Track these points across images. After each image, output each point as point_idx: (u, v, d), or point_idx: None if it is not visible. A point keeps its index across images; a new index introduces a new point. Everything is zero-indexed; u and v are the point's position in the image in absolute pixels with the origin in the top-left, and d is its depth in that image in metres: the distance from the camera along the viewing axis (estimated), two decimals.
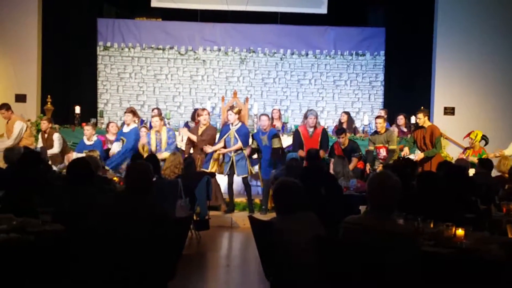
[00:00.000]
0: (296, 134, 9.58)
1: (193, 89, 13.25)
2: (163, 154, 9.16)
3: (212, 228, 7.95)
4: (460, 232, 3.90)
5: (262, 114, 9.99)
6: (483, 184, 6.26)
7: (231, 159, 9.36)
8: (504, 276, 3.49)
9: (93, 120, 11.13)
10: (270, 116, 10.54)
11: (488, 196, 5.82)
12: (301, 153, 9.05)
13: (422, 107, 9.85)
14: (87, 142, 9.86)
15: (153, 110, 11.49)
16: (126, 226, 3.77)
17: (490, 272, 3.51)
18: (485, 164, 7.64)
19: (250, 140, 9.56)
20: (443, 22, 11.80)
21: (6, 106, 10.22)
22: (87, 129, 9.96)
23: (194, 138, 9.58)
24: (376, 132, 9.48)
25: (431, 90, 12.03)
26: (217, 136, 9.70)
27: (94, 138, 9.95)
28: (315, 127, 9.43)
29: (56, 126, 10.49)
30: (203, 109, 10.11)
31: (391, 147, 9.27)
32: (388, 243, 3.20)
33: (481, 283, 3.53)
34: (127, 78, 13.20)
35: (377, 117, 9.66)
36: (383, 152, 9.25)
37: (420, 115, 9.34)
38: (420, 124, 9.38)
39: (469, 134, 9.86)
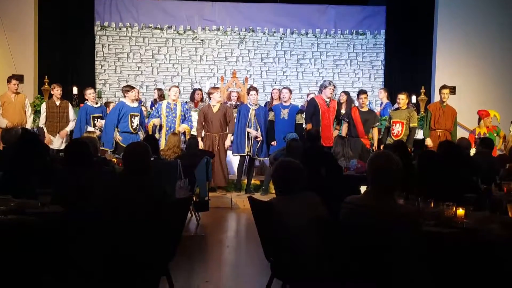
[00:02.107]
0: (311, 103, 9.42)
1: (192, 69, 13.18)
2: (182, 126, 9.34)
3: (212, 209, 7.95)
4: (460, 212, 3.88)
5: (284, 88, 9.96)
6: (484, 163, 6.23)
7: (251, 139, 9.36)
8: (505, 255, 3.48)
9: (99, 100, 11.04)
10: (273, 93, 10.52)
11: (489, 175, 5.80)
12: (309, 126, 9.08)
13: (444, 84, 9.87)
14: (95, 106, 9.75)
15: (155, 90, 11.49)
16: (126, 207, 3.75)
17: (490, 251, 3.49)
18: (486, 143, 7.60)
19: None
20: (444, 0, 11.69)
21: (19, 78, 10.21)
22: (91, 92, 9.80)
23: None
24: (397, 109, 9.52)
25: (432, 70, 11.97)
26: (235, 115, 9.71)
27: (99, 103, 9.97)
28: (330, 98, 9.40)
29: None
30: (215, 88, 10.01)
31: (412, 124, 9.28)
32: (388, 223, 3.18)
33: (482, 262, 3.51)
34: (125, 58, 13.12)
35: (400, 93, 9.65)
36: (398, 127, 9.23)
37: (447, 91, 9.43)
38: (444, 101, 9.39)
39: (483, 114, 9.92)
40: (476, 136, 9.60)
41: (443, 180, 4.67)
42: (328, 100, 9.33)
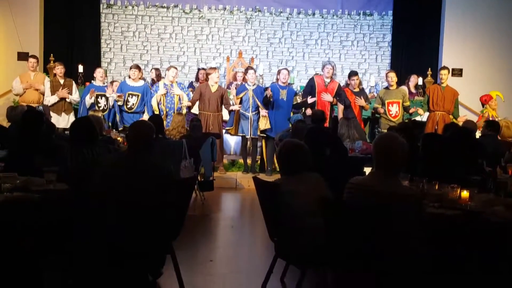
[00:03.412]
0: (309, 83, 9.47)
1: (198, 48, 13.11)
2: (176, 90, 9.37)
3: (217, 189, 7.97)
4: (465, 194, 3.88)
5: (282, 68, 9.91)
6: (490, 146, 6.21)
7: (250, 118, 9.34)
8: (509, 237, 3.48)
9: (106, 80, 11.01)
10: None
11: (494, 158, 5.77)
12: (310, 99, 9.14)
13: (444, 65, 9.80)
14: (101, 85, 9.77)
15: (152, 69, 11.40)
16: (130, 186, 3.76)
17: (495, 233, 3.49)
18: (492, 126, 7.55)
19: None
20: None
21: (37, 57, 10.27)
22: (99, 71, 9.87)
23: (236, 107, 9.44)
24: (387, 88, 9.42)
25: (439, 51, 11.88)
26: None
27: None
28: (331, 79, 9.36)
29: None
30: (213, 68, 9.95)
31: (405, 103, 9.25)
32: (392, 204, 3.18)
33: (486, 244, 3.52)
34: (131, 37, 13.06)
35: (390, 71, 9.57)
36: (395, 108, 9.15)
37: (446, 72, 9.30)
38: (442, 82, 9.31)
39: (486, 99, 9.85)
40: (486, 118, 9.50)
41: (448, 162, 4.66)
42: (328, 80, 9.31)
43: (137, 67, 9.81)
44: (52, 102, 9.72)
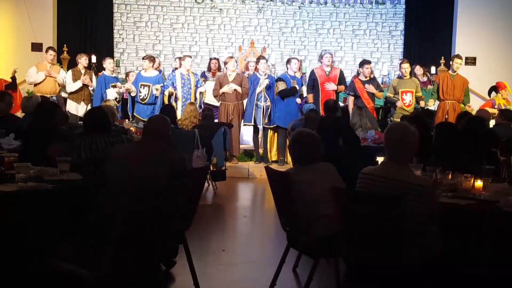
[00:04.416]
0: (310, 77, 9.46)
1: (210, 38, 13.11)
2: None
3: (229, 178, 7.99)
4: (478, 183, 3.86)
5: (292, 58, 9.86)
6: (504, 135, 6.16)
7: (262, 108, 9.33)
8: None
9: (116, 70, 11.08)
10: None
11: (508, 147, 5.73)
12: (310, 98, 9.20)
13: (458, 54, 9.73)
14: (112, 75, 9.82)
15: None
16: (144, 174, 3.78)
17: (509, 223, 3.47)
18: (506, 115, 7.49)
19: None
20: None
21: (55, 49, 10.33)
22: (110, 62, 9.90)
23: (239, 89, 9.44)
24: (400, 77, 9.38)
25: (452, 40, 11.79)
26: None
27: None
28: (331, 67, 9.34)
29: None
30: (230, 57, 9.90)
31: (418, 94, 9.20)
32: (404, 193, 3.17)
33: (500, 234, 3.50)
34: (143, 27, 13.08)
35: (403, 61, 9.51)
36: (408, 97, 9.10)
37: (460, 61, 9.23)
38: (456, 70, 9.23)
39: (501, 86, 9.79)
40: (496, 107, 9.43)
41: (462, 151, 4.63)
42: (328, 69, 9.30)
43: (150, 57, 9.81)
44: (75, 88, 9.75)
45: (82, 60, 9.93)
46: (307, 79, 9.70)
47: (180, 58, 11.25)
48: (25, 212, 3.65)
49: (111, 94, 9.58)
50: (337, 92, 9.35)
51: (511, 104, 9.81)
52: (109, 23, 12.90)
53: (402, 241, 3.19)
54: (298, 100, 9.33)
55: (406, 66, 9.30)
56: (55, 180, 3.93)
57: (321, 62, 9.46)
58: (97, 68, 11.01)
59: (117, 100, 9.67)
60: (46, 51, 10.10)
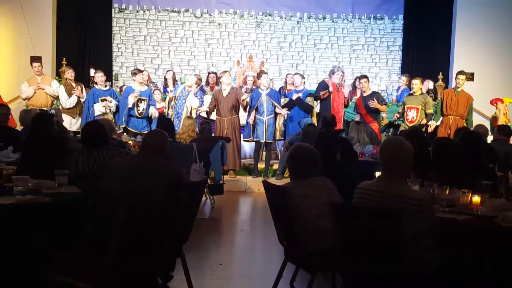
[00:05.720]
0: (322, 84, 9.51)
1: (208, 52, 13.15)
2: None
3: (226, 192, 7.97)
4: (476, 199, 3.86)
5: (295, 73, 9.96)
6: (501, 150, 6.17)
7: (265, 123, 9.34)
8: None
9: (108, 83, 11.05)
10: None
11: (506, 163, 5.74)
12: (323, 93, 9.24)
13: (462, 70, 9.78)
14: (103, 89, 9.74)
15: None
16: (142, 188, 3.78)
17: (506, 239, 3.47)
18: (504, 130, 7.52)
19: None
20: None
21: (40, 60, 10.27)
22: (100, 75, 9.73)
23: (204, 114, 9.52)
24: (411, 94, 9.44)
25: (450, 55, 11.84)
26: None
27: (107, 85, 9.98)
28: (340, 84, 9.48)
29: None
30: (224, 71, 9.93)
31: (428, 111, 9.21)
32: (401, 208, 3.18)
33: (497, 250, 3.50)
34: (142, 41, 13.13)
35: (414, 78, 9.57)
36: (412, 113, 9.13)
37: (463, 77, 9.27)
38: (459, 86, 9.27)
39: (496, 101, 9.82)
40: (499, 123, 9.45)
41: (459, 166, 4.64)
42: (337, 85, 9.40)
43: (141, 71, 9.84)
44: (74, 104, 9.78)
45: (68, 74, 9.96)
46: (318, 85, 9.73)
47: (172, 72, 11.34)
48: (23, 225, 3.64)
49: (98, 109, 9.50)
50: (344, 105, 9.55)
51: (511, 122, 9.84)
52: (108, 37, 12.93)
53: (399, 256, 3.19)
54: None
55: (416, 83, 9.36)
56: (53, 193, 3.93)
57: (330, 77, 9.50)
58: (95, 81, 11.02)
59: (106, 113, 9.60)
60: (31, 64, 10.05)
